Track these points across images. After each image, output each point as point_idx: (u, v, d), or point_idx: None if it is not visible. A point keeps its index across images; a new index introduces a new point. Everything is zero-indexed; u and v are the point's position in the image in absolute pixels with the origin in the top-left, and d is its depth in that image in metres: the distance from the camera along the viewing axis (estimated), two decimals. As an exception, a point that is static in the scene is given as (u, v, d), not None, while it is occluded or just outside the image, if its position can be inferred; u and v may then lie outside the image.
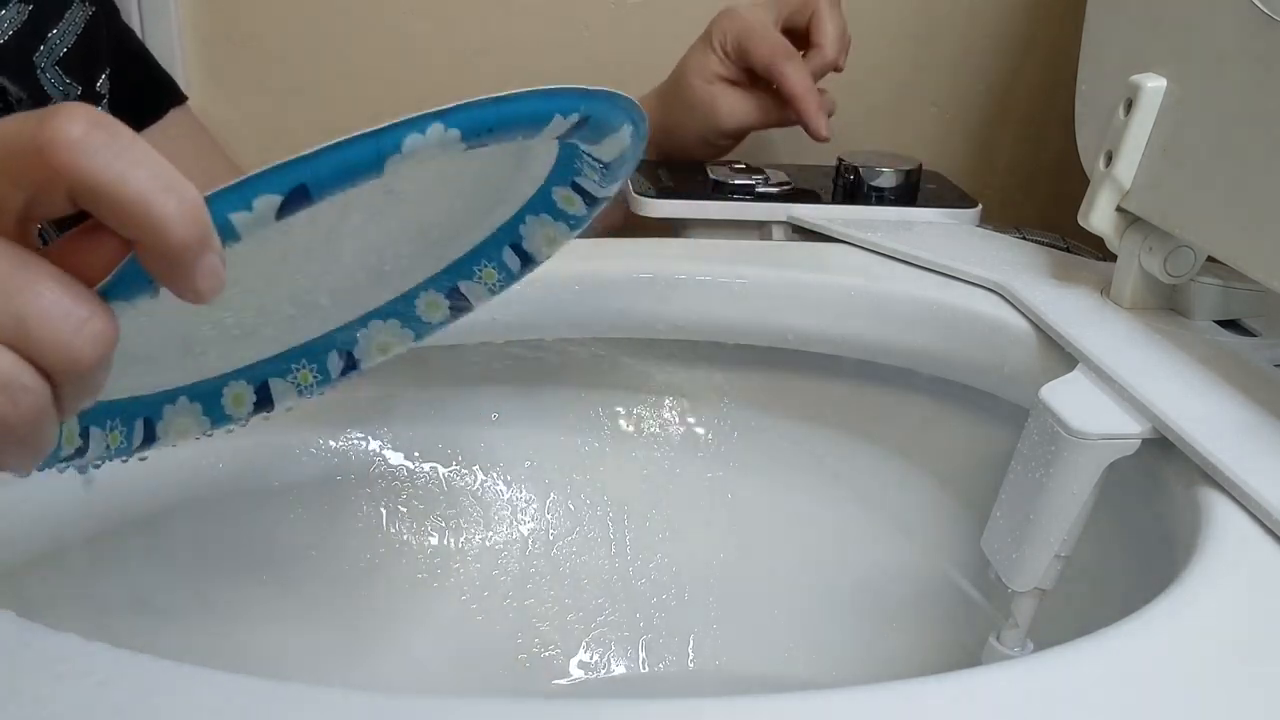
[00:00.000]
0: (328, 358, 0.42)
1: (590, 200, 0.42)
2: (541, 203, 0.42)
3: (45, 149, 0.24)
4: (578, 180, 0.41)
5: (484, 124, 0.31)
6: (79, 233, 0.27)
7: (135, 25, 0.79)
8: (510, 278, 0.43)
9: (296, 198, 0.28)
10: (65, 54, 0.60)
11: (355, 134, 0.28)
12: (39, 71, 0.59)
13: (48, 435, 0.27)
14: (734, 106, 0.68)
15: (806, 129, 0.66)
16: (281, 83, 0.88)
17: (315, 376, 0.42)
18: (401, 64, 0.88)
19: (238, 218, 0.27)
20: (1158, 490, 0.40)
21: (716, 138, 0.69)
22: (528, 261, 0.43)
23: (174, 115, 0.69)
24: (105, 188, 0.25)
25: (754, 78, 0.68)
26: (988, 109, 0.91)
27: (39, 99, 0.59)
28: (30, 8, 0.59)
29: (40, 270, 0.26)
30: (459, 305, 0.43)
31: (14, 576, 0.44)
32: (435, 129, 0.29)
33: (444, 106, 0.29)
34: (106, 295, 0.27)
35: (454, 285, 0.43)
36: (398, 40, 0.87)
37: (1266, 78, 0.41)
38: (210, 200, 0.26)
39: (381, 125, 0.28)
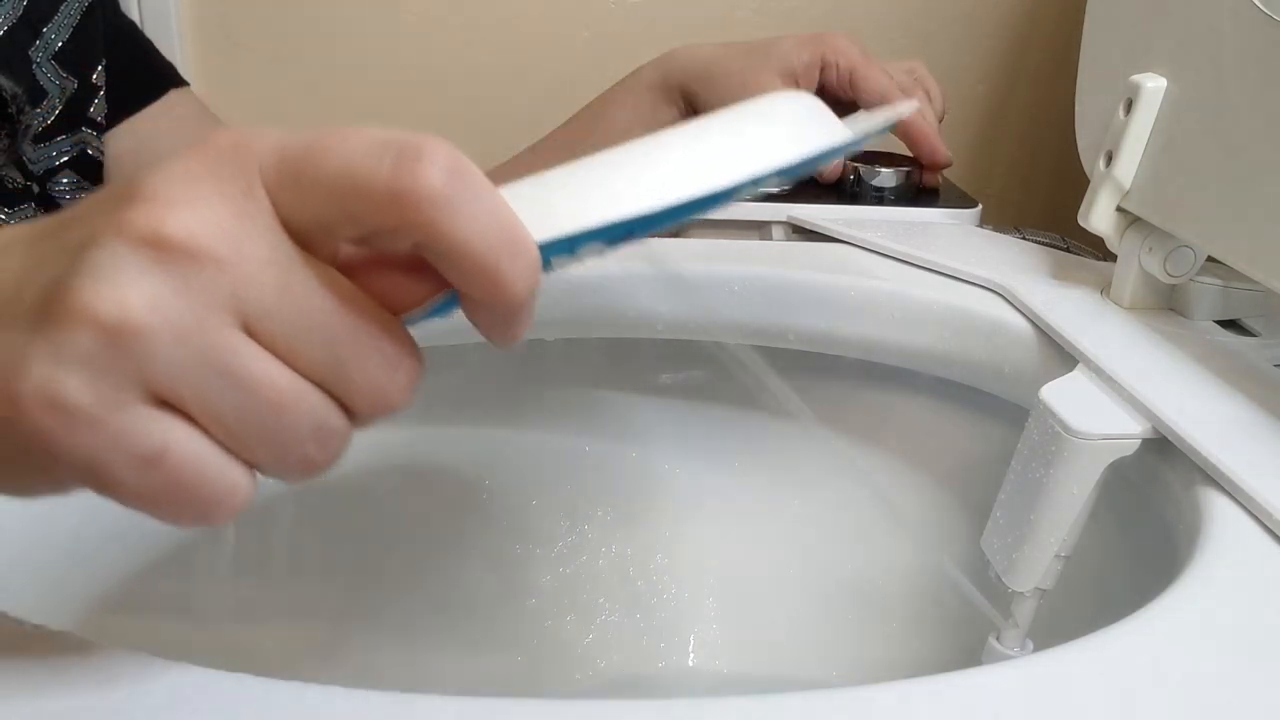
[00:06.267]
0: None
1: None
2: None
3: (403, 200, 0.23)
4: None
5: (798, 172, 0.30)
6: (398, 267, 0.25)
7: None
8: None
9: (619, 240, 0.27)
10: (61, 47, 0.60)
11: (709, 190, 0.27)
12: (34, 66, 0.59)
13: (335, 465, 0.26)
14: None
15: (932, 160, 0.65)
16: (282, 80, 0.88)
17: None
18: (401, 63, 0.88)
19: (558, 260, 0.26)
20: (1158, 490, 0.40)
21: None
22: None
23: (175, 95, 0.68)
24: (457, 247, 0.23)
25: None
26: (988, 109, 0.91)
27: (34, 93, 0.59)
28: (25, 1, 0.59)
29: (362, 312, 0.24)
30: None
31: (11, 575, 0.44)
32: (770, 179, 0.29)
33: (789, 161, 0.29)
34: (408, 321, 0.25)
35: None
36: (396, 40, 0.88)
37: (1266, 78, 0.41)
38: (542, 248, 0.25)
39: (741, 175, 0.27)
